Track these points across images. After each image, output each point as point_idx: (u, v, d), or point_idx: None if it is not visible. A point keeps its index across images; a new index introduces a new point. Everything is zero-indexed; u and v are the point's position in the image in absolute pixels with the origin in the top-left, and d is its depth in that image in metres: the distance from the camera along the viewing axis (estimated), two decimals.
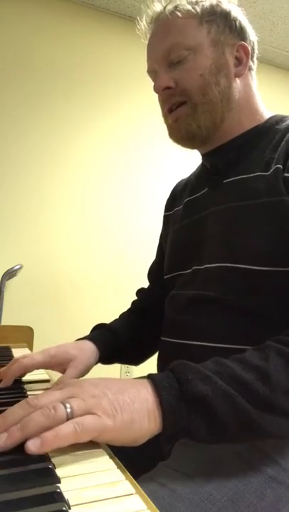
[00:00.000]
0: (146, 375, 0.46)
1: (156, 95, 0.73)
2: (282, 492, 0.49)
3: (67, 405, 0.38)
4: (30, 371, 0.65)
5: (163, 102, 0.71)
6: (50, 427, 0.36)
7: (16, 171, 1.97)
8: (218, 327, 0.60)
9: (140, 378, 0.46)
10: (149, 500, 0.31)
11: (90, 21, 2.19)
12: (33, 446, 0.35)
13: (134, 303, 0.94)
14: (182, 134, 0.69)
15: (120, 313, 0.91)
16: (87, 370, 0.71)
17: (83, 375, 0.70)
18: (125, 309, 0.92)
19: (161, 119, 0.74)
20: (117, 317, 0.89)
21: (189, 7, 0.66)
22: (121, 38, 2.24)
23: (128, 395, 0.41)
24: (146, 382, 0.44)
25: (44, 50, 2.07)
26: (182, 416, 0.42)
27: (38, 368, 0.66)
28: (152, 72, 0.72)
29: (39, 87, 2.04)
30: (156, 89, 0.70)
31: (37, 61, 2.05)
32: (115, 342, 0.79)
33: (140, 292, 0.96)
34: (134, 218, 2.22)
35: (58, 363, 0.68)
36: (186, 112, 0.67)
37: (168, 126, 0.72)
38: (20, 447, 0.37)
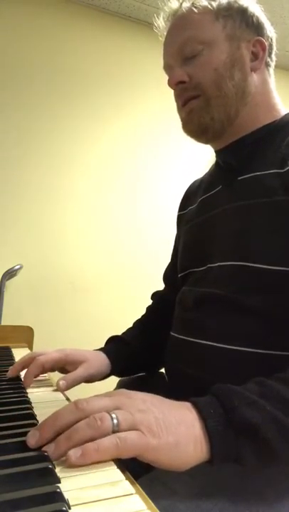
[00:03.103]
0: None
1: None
2: (283, 492, 0.49)
3: (114, 416, 0.37)
4: (47, 368, 0.66)
5: (177, 96, 0.71)
6: (95, 438, 0.36)
7: (16, 171, 1.97)
8: (228, 327, 0.59)
9: (182, 401, 0.44)
10: (149, 500, 0.31)
11: (89, 21, 2.18)
12: (74, 457, 0.35)
13: (148, 308, 0.93)
14: (195, 126, 0.69)
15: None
16: (97, 376, 0.71)
17: (92, 381, 0.70)
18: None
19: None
20: (131, 325, 0.89)
21: (205, 3, 0.67)
22: (121, 38, 2.24)
23: (174, 417, 0.40)
24: (190, 406, 0.42)
25: (43, 50, 2.07)
26: (230, 444, 0.40)
27: (53, 365, 0.66)
28: (167, 68, 0.72)
29: (38, 86, 2.04)
30: (170, 83, 0.70)
31: (35, 61, 2.05)
32: (128, 354, 0.79)
33: (155, 296, 0.95)
34: (134, 219, 2.22)
35: (72, 362, 0.68)
36: (199, 105, 0.67)
37: (182, 120, 0.72)
38: (19, 446, 0.37)
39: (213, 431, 0.40)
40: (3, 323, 1.77)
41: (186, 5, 0.68)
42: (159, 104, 2.17)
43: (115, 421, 0.37)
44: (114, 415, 0.37)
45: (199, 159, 2.18)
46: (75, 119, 2.12)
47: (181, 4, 0.69)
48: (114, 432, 0.37)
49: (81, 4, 2.16)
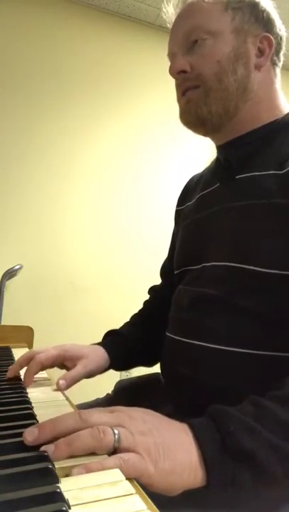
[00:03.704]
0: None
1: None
2: (282, 493, 0.49)
3: (116, 432, 0.37)
4: (46, 365, 0.65)
5: (178, 85, 0.70)
6: (96, 449, 0.36)
7: (16, 171, 1.97)
8: (223, 329, 0.59)
9: (179, 422, 0.43)
10: (149, 500, 0.31)
11: (90, 21, 2.18)
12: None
13: (145, 303, 0.93)
14: (192, 117, 0.68)
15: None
16: (96, 372, 0.71)
17: (91, 376, 0.70)
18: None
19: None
20: (129, 319, 0.89)
21: None
22: (121, 38, 2.24)
23: (173, 441, 0.40)
24: (187, 429, 0.42)
25: (43, 50, 2.07)
26: (227, 472, 0.40)
27: (53, 362, 0.66)
28: (171, 55, 0.71)
29: (38, 86, 2.04)
30: (171, 72, 0.68)
31: (35, 61, 2.05)
32: (126, 348, 0.79)
33: (152, 290, 0.94)
34: (134, 219, 2.22)
35: (71, 358, 0.68)
36: (198, 96, 0.66)
37: (180, 109, 0.71)
38: (19, 446, 0.37)
39: (209, 458, 0.39)
40: (3, 323, 1.77)
41: None
42: (158, 103, 2.17)
43: (116, 436, 0.37)
44: (116, 431, 0.37)
45: (200, 159, 2.18)
46: (75, 118, 2.12)
47: None
48: (114, 447, 0.37)
49: (81, 4, 2.16)
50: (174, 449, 0.39)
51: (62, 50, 2.12)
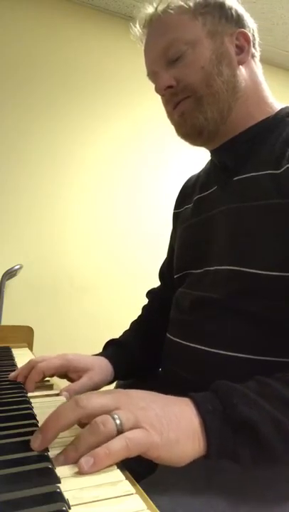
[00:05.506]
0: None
1: (156, 95, 0.71)
2: (282, 494, 0.48)
3: (116, 417, 0.37)
4: (48, 375, 0.64)
5: (166, 101, 0.69)
6: (101, 442, 0.36)
7: (17, 171, 1.97)
8: (223, 333, 0.59)
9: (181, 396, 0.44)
10: (149, 500, 0.31)
11: (90, 21, 2.19)
12: (86, 466, 0.34)
13: (144, 308, 0.92)
14: (188, 128, 0.67)
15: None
16: (101, 385, 0.70)
17: (96, 389, 0.68)
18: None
19: (166, 119, 0.72)
20: (128, 328, 0.87)
21: (181, 3, 0.65)
22: (121, 38, 2.24)
23: (174, 413, 0.40)
24: (188, 401, 0.42)
25: (42, 50, 2.07)
26: (228, 441, 0.40)
27: (55, 372, 0.65)
28: (152, 75, 0.71)
29: (38, 86, 2.04)
30: (158, 90, 0.68)
31: (35, 61, 2.05)
32: (130, 359, 0.78)
33: (151, 294, 0.93)
34: (132, 220, 2.22)
35: (75, 370, 0.66)
36: (190, 106, 0.65)
37: (174, 124, 0.70)
38: (19, 446, 0.37)
39: (210, 426, 0.40)
40: (3, 323, 1.77)
41: (161, 7, 0.66)
42: (159, 103, 2.16)
43: (118, 421, 0.37)
44: (116, 416, 0.37)
45: (200, 159, 2.18)
46: (75, 118, 2.12)
47: (156, 8, 0.67)
48: (118, 432, 0.37)
49: (81, 4, 2.16)
50: (176, 420, 0.39)
51: (62, 50, 2.12)
